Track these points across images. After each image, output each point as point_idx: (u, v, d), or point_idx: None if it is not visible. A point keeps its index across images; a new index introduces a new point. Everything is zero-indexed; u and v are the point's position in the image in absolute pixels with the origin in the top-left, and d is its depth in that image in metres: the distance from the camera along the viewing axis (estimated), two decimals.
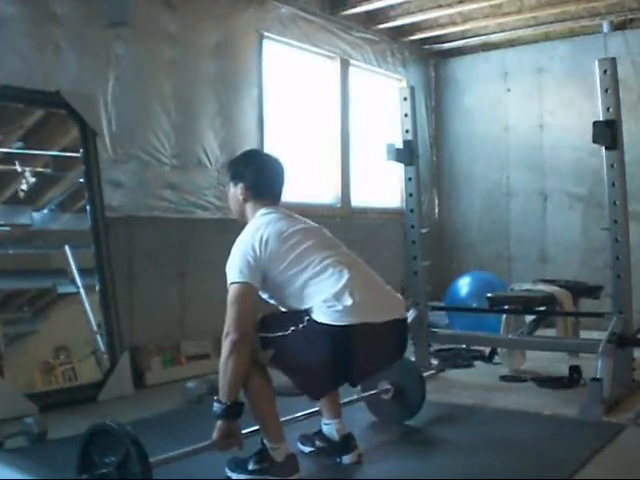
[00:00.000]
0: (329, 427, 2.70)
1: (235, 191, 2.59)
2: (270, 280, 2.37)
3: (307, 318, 2.32)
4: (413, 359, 4.29)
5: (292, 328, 2.34)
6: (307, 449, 2.75)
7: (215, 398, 2.34)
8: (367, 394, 3.18)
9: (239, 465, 2.49)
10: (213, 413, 2.33)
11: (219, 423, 2.33)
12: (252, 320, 2.34)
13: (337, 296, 2.29)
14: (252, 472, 2.44)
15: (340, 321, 2.27)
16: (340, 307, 2.28)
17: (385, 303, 2.45)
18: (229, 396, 2.30)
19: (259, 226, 2.43)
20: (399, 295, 2.55)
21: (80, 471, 2.17)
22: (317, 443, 2.74)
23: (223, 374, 2.30)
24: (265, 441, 2.43)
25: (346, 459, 2.62)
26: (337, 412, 2.71)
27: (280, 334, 2.35)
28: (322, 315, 2.29)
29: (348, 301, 2.28)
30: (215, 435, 2.33)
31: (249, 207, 2.57)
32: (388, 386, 3.17)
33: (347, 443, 2.65)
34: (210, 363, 4.32)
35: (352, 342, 2.30)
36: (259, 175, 2.58)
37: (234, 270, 2.34)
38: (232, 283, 2.33)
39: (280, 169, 2.65)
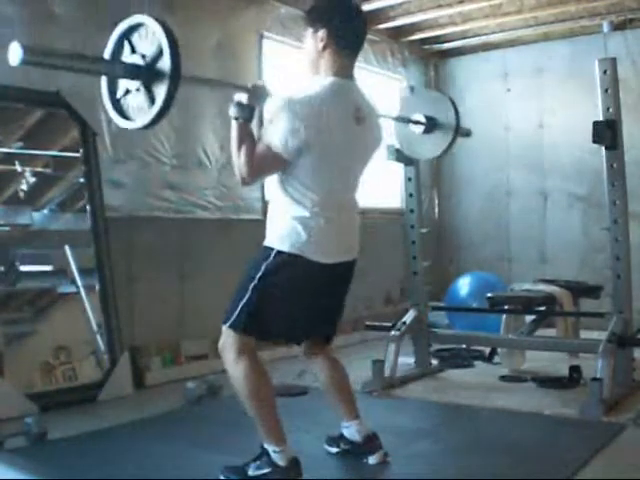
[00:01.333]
0: (349, 429, 2.67)
1: (315, 38, 2.41)
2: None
3: (273, 252, 2.36)
4: (413, 359, 4.31)
5: (263, 267, 2.36)
6: (334, 450, 2.72)
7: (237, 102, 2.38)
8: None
9: (237, 472, 2.41)
10: (230, 115, 2.38)
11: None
12: (264, 178, 2.53)
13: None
14: (253, 478, 2.36)
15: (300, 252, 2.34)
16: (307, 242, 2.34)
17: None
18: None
19: (324, 100, 2.32)
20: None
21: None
22: (342, 445, 2.71)
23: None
24: (266, 444, 2.36)
25: (372, 460, 2.59)
26: (354, 413, 2.66)
27: (252, 280, 2.37)
28: (288, 242, 2.35)
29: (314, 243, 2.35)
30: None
31: (325, 58, 2.40)
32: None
33: (371, 443, 2.62)
34: (210, 363, 4.33)
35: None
36: (345, 21, 2.41)
37: (278, 133, 2.29)
38: (269, 144, 2.30)
39: (365, 23, 2.52)
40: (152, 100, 2.19)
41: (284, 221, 2.37)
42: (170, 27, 2.19)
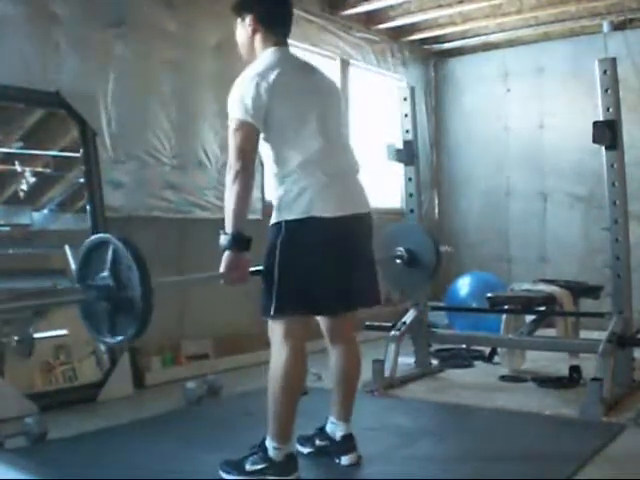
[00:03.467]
0: (333, 427, 2.66)
1: (243, 26, 2.51)
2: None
3: (282, 224, 2.36)
4: (413, 359, 4.31)
5: (278, 243, 2.35)
6: (306, 450, 2.71)
7: (221, 231, 2.33)
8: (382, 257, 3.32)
9: (234, 467, 2.43)
10: (220, 246, 2.33)
11: (226, 254, 2.32)
12: (253, 154, 2.33)
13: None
14: (250, 473, 2.39)
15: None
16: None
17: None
18: (235, 226, 2.30)
19: (269, 65, 2.38)
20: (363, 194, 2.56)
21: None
22: (317, 442, 2.70)
23: (227, 205, 2.32)
24: (269, 439, 2.38)
25: (345, 460, 2.59)
26: (348, 415, 2.65)
27: (274, 261, 2.35)
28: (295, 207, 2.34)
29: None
30: (222, 267, 2.32)
31: (257, 41, 2.49)
32: (401, 251, 3.36)
33: (347, 444, 2.61)
34: (210, 363, 4.33)
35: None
36: (269, 4, 2.51)
37: (238, 106, 2.31)
38: (235, 119, 2.32)
39: (290, 4, 2.59)
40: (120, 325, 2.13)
41: (284, 191, 2.38)
42: (137, 248, 2.09)
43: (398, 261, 3.67)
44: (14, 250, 3.59)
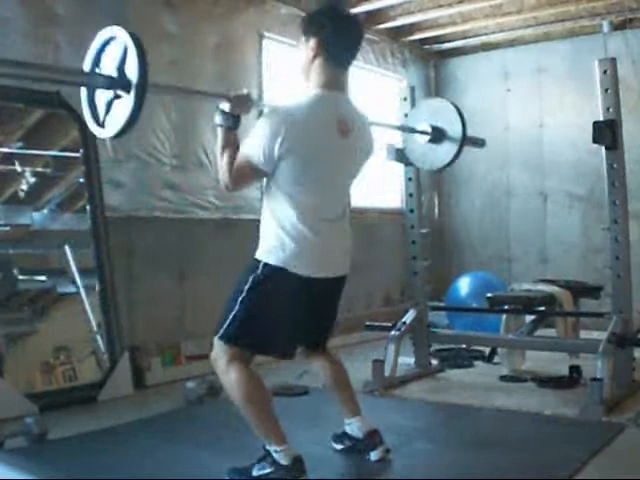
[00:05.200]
0: (351, 426, 2.69)
1: (306, 47, 2.44)
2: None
3: (261, 265, 2.38)
4: (413, 359, 4.31)
5: (250, 280, 2.38)
6: (339, 447, 2.74)
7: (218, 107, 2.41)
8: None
9: (242, 473, 2.41)
10: (214, 123, 2.44)
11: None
12: (247, 186, 2.52)
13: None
14: (257, 478, 2.37)
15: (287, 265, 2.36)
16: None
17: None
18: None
19: (304, 110, 2.35)
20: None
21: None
22: (346, 442, 2.72)
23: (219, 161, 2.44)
24: (267, 445, 2.37)
25: (374, 455, 2.61)
26: (356, 409, 2.69)
27: (240, 296, 2.39)
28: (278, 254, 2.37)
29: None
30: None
31: (315, 66, 2.42)
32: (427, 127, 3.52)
33: (371, 440, 2.63)
34: (210, 363, 4.33)
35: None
36: (337, 33, 2.43)
37: (257, 147, 2.32)
38: (251, 161, 2.34)
39: (360, 36, 2.52)
40: (121, 109, 2.21)
41: (271, 233, 2.39)
42: (139, 39, 2.17)
43: (425, 138, 3.69)
44: (14, 250, 3.59)
